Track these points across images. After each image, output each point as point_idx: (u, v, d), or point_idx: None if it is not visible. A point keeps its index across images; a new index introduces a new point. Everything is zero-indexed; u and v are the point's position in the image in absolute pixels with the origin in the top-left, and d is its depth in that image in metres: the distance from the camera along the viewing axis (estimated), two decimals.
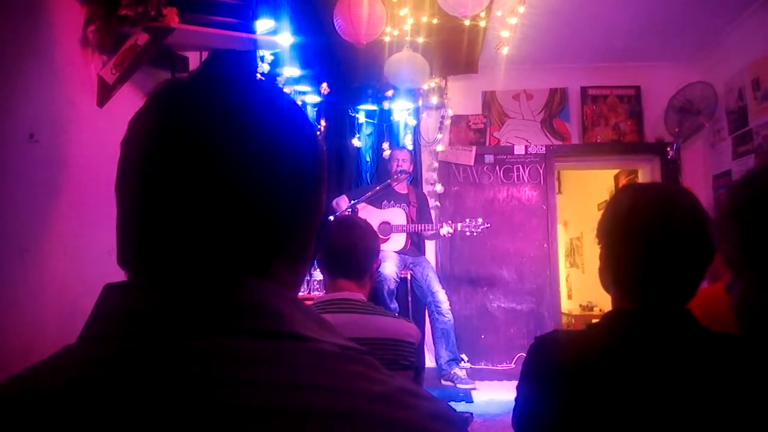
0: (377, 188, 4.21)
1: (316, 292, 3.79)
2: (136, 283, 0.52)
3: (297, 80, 4.43)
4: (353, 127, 4.95)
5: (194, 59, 2.46)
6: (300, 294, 0.65)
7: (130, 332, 0.47)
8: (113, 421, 0.42)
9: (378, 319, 1.64)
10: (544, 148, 5.00)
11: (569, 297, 7.80)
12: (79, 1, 1.75)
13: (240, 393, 0.43)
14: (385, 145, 4.84)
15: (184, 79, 0.57)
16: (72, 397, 0.43)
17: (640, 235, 1.02)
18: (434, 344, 4.11)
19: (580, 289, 7.63)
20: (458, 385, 3.95)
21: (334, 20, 3.16)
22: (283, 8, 3.19)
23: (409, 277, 4.18)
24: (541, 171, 4.97)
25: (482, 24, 3.78)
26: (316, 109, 4.81)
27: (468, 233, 4.13)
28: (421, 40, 3.87)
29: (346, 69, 4.41)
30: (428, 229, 4.20)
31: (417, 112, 5.00)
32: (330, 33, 3.28)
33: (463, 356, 4.34)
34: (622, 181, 6.34)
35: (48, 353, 0.49)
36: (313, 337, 0.49)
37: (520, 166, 4.99)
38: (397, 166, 4.34)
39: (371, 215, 4.16)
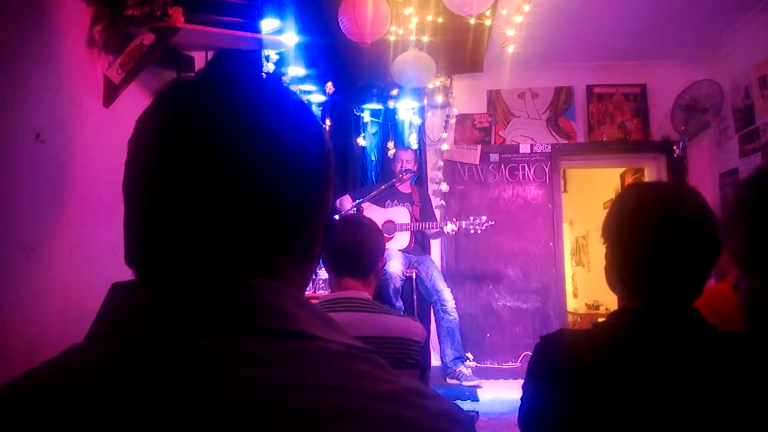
0: (382, 187, 4.21)
1: (321, 291, 3.80)
2: (142, 282, 0.52)
3: (302, 79, 4.43)
4: (358, 127, 4.95)
5: (200, 59, 2.46)
6: (305, 293, 0.65)
7: (136, 331, 0.47)
8: (119, 420, 0.42)
9: (383, 317, 1.64)
10: (549, 147, 4.99)
11: (575, 296, 7.78)
12: (85, 2, 1.76)
13: (247, 392, 0.43)
14: (390, 144, 4.84)
15: (191, 79, 0.57)
16: (78, 396, 0.43)
17: (645, 234, 1.02)
18: (439, 343, 4.12)
19: (586, 287, 7.61)
20: (463, 383, 3.95)
21: (339, 20, 3.17)
22: (288, 8, 3.19)
23: (414, 275, 4.18)
24: (546, 170, 4.96)
25: (487, 23, 3.77)
26: (321, 108, 4.81)
27: (472, 231, 4.13)
28: (426, 39, 3.87)
29: (351, 68, 4.41)
30: (432, 227, 4.20)
31: (422, 111, 5.00)
32: (335, 32, 3.29)
33: (469, 355, 4.34)
34: (628, 180, 6.32)
35: (52, 353, 0.50)
36: (319, 336, 0.49)
37: (525, 164, 4.98)
38: (402, 166, 4.35)
39: (375, 214, 4.16)
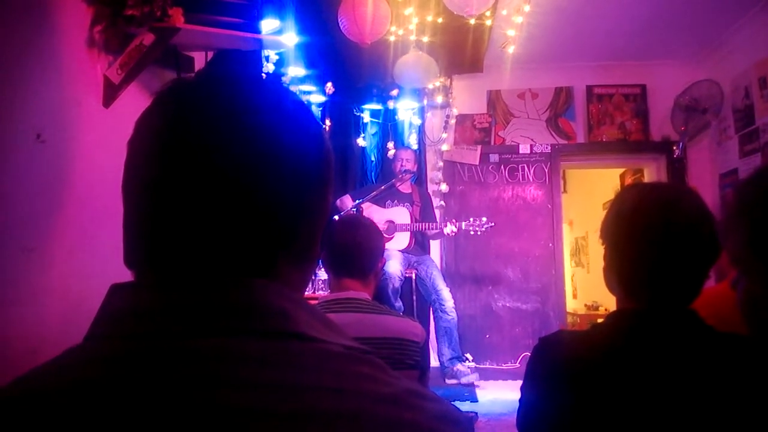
0: (381, 188, 4.21)
1: (320, 292, 3.80)
2: (142, 283, 0.52)
3: (302, 80, 4.43)
4: (358, 127, 4.95)
5: (200, 59, 2.46)
6: (305, 293, 0.65)
7: (135, 332, 0.47)
8: (118, 420, 0.42)
9: (383, 318, 1.64)
10: (549, 147, 4.99)
11: (574, 296, 7.78)
12: (85, 2, 1.76)
13: (245, 394, 0.43)
14: (390, 145, 4.84)
15: (190, 79, 0.57)
16: (77, 397, 0.43)
17: (644, 235, 1.02)
18: (437, 343, 4.12)
19: (586, 288, 7.61)
20: (462, 380, 3.94)
21: (339, 20, 3.17)
22: (288, 8, 3.19)
23: (413, 276, 4.18)
24: (546, 170, 4.96)
25: (488, 23, 3.77)
26: (320, 108, 4.81)
27: (472, 232, 4.14)
28: (426, 39, 3.87)
29: (351, 68, 4.41)
30: (432, 228, 4.20)
31: (422, 112, 5.00)
32: (335, 33, 3.29)
33: (468, 355, 4.34)
34: (628, 180, 6.32)
35: (52, 353, 0.50)
36: (318, 337, 0.49)
37: (525, 165, 4.98)
38: (401, 166, 4.35)
39: (375, 214, 4.17)
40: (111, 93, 1.82)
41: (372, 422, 0.44)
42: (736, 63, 4.35)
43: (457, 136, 5.06)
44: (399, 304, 3.95)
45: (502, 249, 4.86)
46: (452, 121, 5.03)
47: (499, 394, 3.78)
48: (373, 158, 5.01)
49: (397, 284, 3.92)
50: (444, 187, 4.93)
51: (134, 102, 1.92)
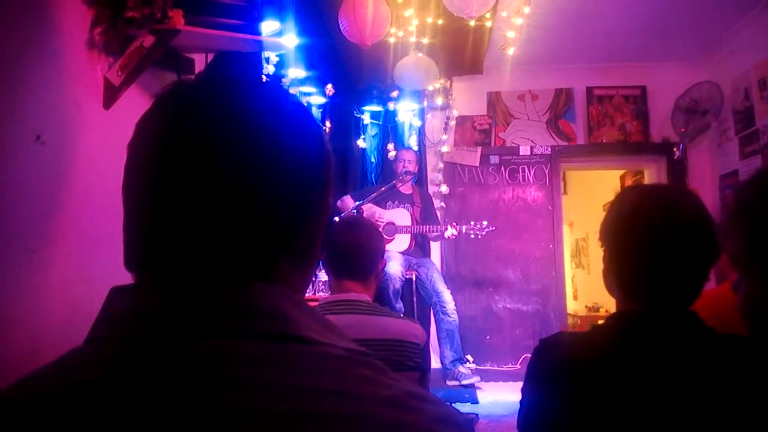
0: (382, 189, 4.21)
1: (321, 293, 3.79)
2: (142, 285, 0.52)
3: (302, 81, 4.44)
4: (358, 128, 4.95)
5: (200, 61, 2.47)
6: (305, 295, 0.65)
7: (136, 334, 0.47)
8: (118, 422, 0.42)
9: (383, 320, 1.64)
10: (549, 149, 4.99)
11: (575, 298, 7.77)
12: (85, 3, 1.76)
13: (244, 395, 0.43)
14: (390, 146, 4.84)
15: (190, 82, 0.57)
16: (78, 399, 0.43)
17: (643, 237, 1.02)
18: (439, 345, 4.11)
19: (586, 290, 7.61)
20: (463, 382, 3.94)
21: (339, 21, 3.17)
22: (288, 10, 3.20)
23: (414, 278, 4.18)
24: (546, 171, 4.96)
25: (488, 24, 3.77)
26: (321, 110, 4.81)
27: (472, 235, 4.14)
28: (426, 41, 3.87)
29: (351, 70, 4.41)
30: (433, 231, 4.20)
31: (422, 113, 5.00)
32: (335, 34, 3.29)
33: (469, 357, 4.34)
34: (628, 182, 6.32)
35: (52, 354, 0.50)
36: (318, 340, 0.49)
37: (525, 166, 4.98)
38: (403, 167, 4.35)
39: (376, 216, 4.17)
40: (111, 95, 1.83)
41: (372, 425, 0.44)
42: (736, 64, 4.36)
43: (457, 137, 5.07)
44: (399, 305, 3.95)
45: (503, 250, 4.86)
46: (452, 123, 5.03)
47: (500, 396, 3.77)
48: (373, 160, 5.01)
49: (398, 286, 3.92)
50: (444, 189, 4.93)
51: (134, 104, 1.92)
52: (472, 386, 3.97)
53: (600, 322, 1.09)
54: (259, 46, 2.41)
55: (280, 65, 3.93)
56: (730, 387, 0.89)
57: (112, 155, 1.75)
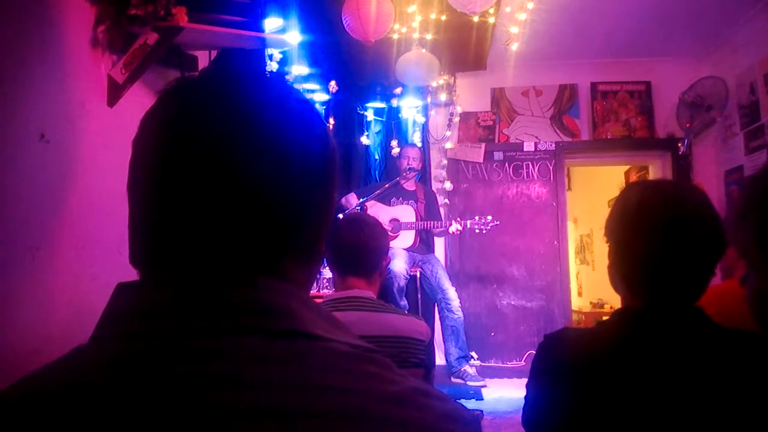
0: (386, 186, 4.21)
1: (325, 290, 3.80)
2: (147, 282, 0.52)
3: (305, 78, 4.44)
4: (362, 125, 4.95)
5: (203, 58, 2.46)
6: (310, 292, 0.65)
7: (141, 332, 0.47)
8: (123, 421, 0.42)
9: (388, 316, 1.64)
10: (553, 145, 4.98)
11: (579, 294, 7.76)
12: (88, 1, 1.76)
13: (252, 392, 0.43)
14: (394, 143, 4.84)
15: (195, 78, 0.57)
16: (83, 397, 0.43)
17: (648, 232, 1.02)
18: (444, 342, 4.11)
19: (591, 286, 7.60)
20: (468, 383, 3.95)
21: (343, 18, 3.16)
22: (292, 7, 3.20)
23: (418, 274, 4.18)
24: (550, 167, 4.95)
25: (491, 20, 3.76)
26: (324, 107, 4.81)
27: (477, 230, 4.13)
28: (429, 37, 3.86)
29: (355, 67, 4.41)
30: (437, 227, 4.20)
31: (426, 110, 4.99)
32: (338, 31, 3.29)
33: (473, 354, 4.34)
34: (633, 177, 6.30)
35: (57, 352, 0.50)
36: (325, 336, 0.49)
37: (529, 162, 4.97)
38: (408, 164, 4.34)
39: (380, 212, 4.16)
40: (115, 92, 1.83)
41: (378, 421, 0.44)
42: (742, 59, 4.33)
43: (461, 133, 5.06)
44: (404, 302, 3.95)
45: (507, 247, 4.85)
46: (456, 119, 5.02)
47: (505, 392, 3.77)
48: (376, 156, 5.01)
49: (402, 283, 3.92)
50: (448, 185, 4.92)
51: (138, 101, 1.92)
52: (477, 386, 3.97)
53: (605, 318, 1.09)
54: (263, 43, 2.41)
55: (283, 62, 3.93)
56: (737, 382, 0.89)
57: (116, 153, 1.75)
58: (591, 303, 7.25)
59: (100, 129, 1.79)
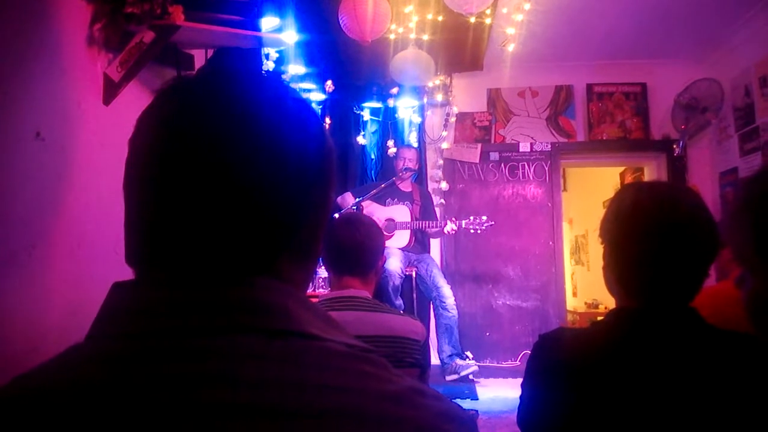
0: (382, 186, 4.21)
1: (321, 290, 3.80)
2: (143, 281, 0.52)
3: (302, 78, 4.43)
4: (358, 125, 4.95)
5: (200, 57, 2.46)
6: (306, 291, 0.65)
7: (137, 331, 0.47)
8: (118, 420, 0.42)
9: (384, 316, 1.64)
10: (549, 146, 4.99)
11: (574, 294, 7.78)
12: None
13: (248, 391, 0.43)
14: (390, 143, 4.84)
15: (191, 77, 0.57)
16: (77, 396, 0.43)
17: (642, 234, 1.02)
18: (437, 339, 4.12)
19: (585, 286, 7.61)
20: (461, 373, 3.94)
21: (339, 18, 3.16)
22: (288, 6, 3.19)
23: (413, 274, 4.18)
24: (546, 168, 4.96)
25: (488, 21, 3.77)
26: (320, 106, 4.81)
27: (472, 231, 4.14)
28: (426, 37, 3.87)
29: (351, 67, 4.41)
30: (432, 227, 4.20)
31: (422, 110, 5.00)
32: (335, 31, 3.28)
33: (468, 354, 4.34)
34: (628, 179, 6.32)
35: (53, 351, 0.49)
36: (321, 336, 0.49)
37: (525, 163, 4.98)
38: (404, 164, 4.34)
39: (376, 212, 4.17)
40: (111, 91, 1.82)
41: (375, 420, 0.44)
42: (737, 62, 4.35)
43: (457, 134, 5.06)
44: (399, 302, 3.96)
45: (503, 247, 4.86)
46: (452, 120, 5.02)
47: (500, 392, 3.78)
48: (373, 156, 5.01)
49: (398, 282, 3.92)
50: (444, 186, 4.93)
51: (134, 100, 1.92)
52: (471, 382, 3.97)
53: (599, 318, 1.09)
54: (259, 42, 2.41)
55: (279, 62, 3.92)
56: (731, 383, 0.89)
57: (112, 151, 1.75)
58: (586, 303, 7.28)
59: (95, 127, 1.78)
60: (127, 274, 0.53)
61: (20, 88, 1.45)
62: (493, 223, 4.13)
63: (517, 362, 4.64)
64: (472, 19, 3.50)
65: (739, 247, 0.93)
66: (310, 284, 3.75)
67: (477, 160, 4.97)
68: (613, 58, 4.87)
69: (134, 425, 0.42)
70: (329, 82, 4.54)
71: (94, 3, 1.78)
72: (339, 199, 4.31)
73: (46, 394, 0.44)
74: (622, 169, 6.45)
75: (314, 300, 1.67)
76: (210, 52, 2.51)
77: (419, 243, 4.37)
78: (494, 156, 5.01)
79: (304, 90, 4.56)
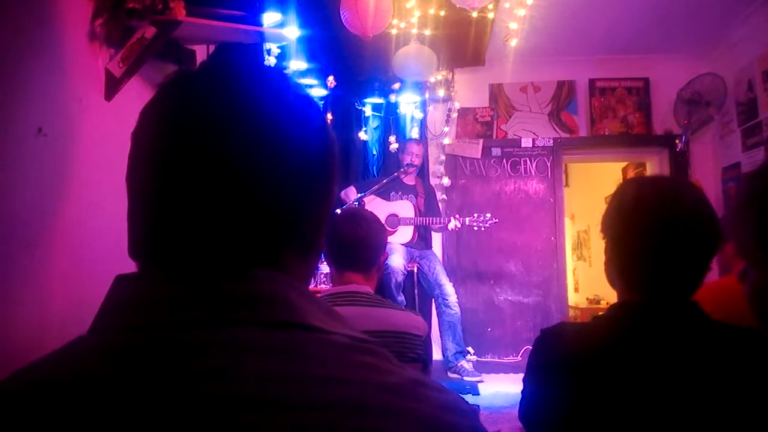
0: (385, 180, 4.21)
1: (323, 285, 3.80)
2: (146, 274, 0.52)
3: (304, 73, 4.42)
4: (360, 121, 4.94)
5: (201, 52, 2.46)
6: (309, 286, 0.65)
7: (140, 323, 0.47)
8: (120, 412, 0.42)
9: (385, 311, 1.64)
10: (551, 141, 4.98)
11: (576, 290, 7.77)
12: None
13: (251, 383, 0.43)
14: (392, 138, 4.83)
15: (194, 71, 0.57)
16: (79, 388, 0.43)
17: (644, 228, 1.02)
18: (441, 337, 4.12)
19: (587, 282, 7.61)
20: (465, 378, 3.96)
21: (341, 13, 3.16)
22: (290, 1, 3.18)
23: (416, 270, 4.19)
24: (548, 164, 4.96)
25: (490, 16, 3.75)
26: (322, 102, 4.80)
27: (476, 228, 4.14)
28: (428, 32, 3.85)
29: (353, 62, 4.40)
30: (436, 223, 4.20)
31: (424, 105, 4.99)
32: (337, 26, 3.28)
33: (470, 349, 4.35)
34: (630, 174, 6.31)
35: (54, 347, 0.49)
36: (324, 328, 0.50)
37: (527, 158, 4.98)
38: (410, 159, 4.33)
39: (379, 207, 4.17)
40: (113, 86, 1.82)
41: (377, 412, 0.44)
42: (740, 56, 4.34)
43: (459, 129, 5.05)
44: (401, 298, 3.96)
45: (504, 243, 4.86)
46: (454, 115, 5.01)
47: (501, 387, 3.78)
48: (374, 152, 5.00)
49: (400, 278, 3.92)
50: (446, 181, 4.92)
51: (136, 95, 1.92)
52: (473, 381, 3.98)
53: (601, 313, 1.10)
54: (261, 37, 2.40)
55: (281, 57, 3.92)
56: (733, 376, 0.89)
57: (113, 147, 1.75)
58: (587, 299, 7.27)
59: (97, 123, 1.78)
60: (130, 268, 0.53)
61: (22, 85, 1.45)
62: (497, 220, 4.13)
63: (519, 357, 4.64)
64: (475, 14, 3.48)
65: (742, 242, 0.93)
66: (312, 279, 3.75)
67: (479, 156, 4.96)
68: (615, 53, 4.86)
69: (138, 418, 0.42)
70: (331, 78, 4.53)
71: None
72: (342, 193, 4.31)
73: (51, 385, 0.44)
74: (624, 164, 6.43)
75: (316, 295, 1.68)
76: (211, 48, 2.51)
77: (422, 239, 4.38)
78: (496, 151, 5.00)
79: (306, 85, 4.54)
